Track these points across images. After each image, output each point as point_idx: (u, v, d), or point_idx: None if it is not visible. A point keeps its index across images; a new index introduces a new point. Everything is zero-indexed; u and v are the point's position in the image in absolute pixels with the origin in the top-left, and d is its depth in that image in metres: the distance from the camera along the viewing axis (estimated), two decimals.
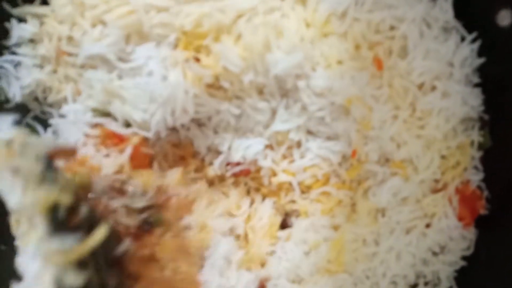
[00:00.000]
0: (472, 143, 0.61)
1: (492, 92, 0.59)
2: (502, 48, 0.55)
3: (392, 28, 0.56)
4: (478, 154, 0.61)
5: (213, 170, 0.65)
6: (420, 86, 0.58)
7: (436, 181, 0.61)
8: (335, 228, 0.64)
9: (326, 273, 0.61)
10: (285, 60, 0.54)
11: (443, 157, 0.60)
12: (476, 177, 0.62)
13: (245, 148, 0.63)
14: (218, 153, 0.65)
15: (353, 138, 0.58)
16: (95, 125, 0.60)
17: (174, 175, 0.62)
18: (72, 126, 0.59)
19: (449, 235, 0.63)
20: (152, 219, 0.58)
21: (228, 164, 0.65)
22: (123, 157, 0.58)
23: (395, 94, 0.58)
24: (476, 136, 0.61)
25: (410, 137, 0.58)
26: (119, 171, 0.58)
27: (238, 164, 0.64)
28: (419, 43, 0.56)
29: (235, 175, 0.65)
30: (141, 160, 0.60)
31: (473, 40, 0.57)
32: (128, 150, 0.58)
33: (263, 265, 0.65)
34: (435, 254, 0.64)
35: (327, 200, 0.65)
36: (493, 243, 0.63)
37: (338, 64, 0.56)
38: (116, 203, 0.54)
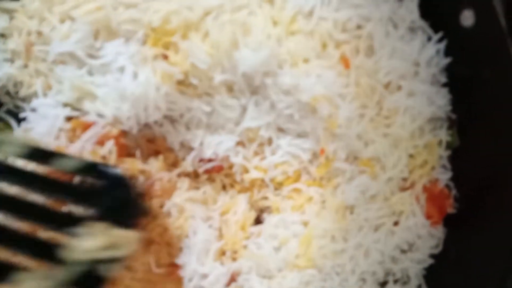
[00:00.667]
0: (440, 142, 0.62)
1: (459, 91, 0.60)
2: (467, 48, 0.56)
3: (358, 27, 0.57)
4: (446, 153, 0.62)
5: (186, 166, 0.66)
6: (387, 85, 0.59)
7: (404, 179, 0.62)
8: (305, 224, 0.65)
9: (295, 269, 0.62)
10: (252, 58, 0.55)
11: (410, 156, 0.61)
12: (444, 176, 0.63)
13: (216, 145, 0.64)
14: (191, 149, 0.66)
15: (321, 136, 0.59)
16: (68, 119, 0.61)
17: (156, 163, 0.63)
18: (44, 119, 0.60)
19: (417, 233, 0.63)
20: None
21: (200, 160, 0.66)
22: (107, 147, 0.59)
23: (362, 93, 0.58)
24: (444, 135, 0.61)
25: (377, 135, 0.59)
26: (104, 159, 0.60)
27: (210, 160, 0.65)
28: (385, 42, 0.57)
29: (208, 171, 0.66)
30: (121, 151, 0.62)
31: (439, 40, 0.58)
32: (111, 142, 0.59)
33: (234, 259, 0.66)
34: (403, 252, 0.65)
35: (298, 196, 0.66)
36: (461, 241, 0.64)
37: (305, 62, 0.57)
38: None
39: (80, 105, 0.60)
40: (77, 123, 0.61)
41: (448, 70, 0.59)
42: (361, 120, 0.58)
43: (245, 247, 0.66)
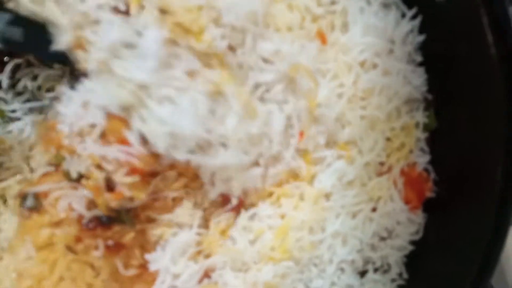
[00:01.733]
0: (417, 124, 0.60)
1: (435, 70, 0.59)
2: (441, 24, 0.55)
3: (333, 2, 0.56)
4: (423, 136, 0.61)
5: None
6: (362, 63, 0.58)
7: (381, 164, 0.61)
8: (282, 217, 0.62)
9: (270, 261, 0.60)
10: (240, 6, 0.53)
11: (387, 139, 0.60)
12: (422, 159, 0.62)
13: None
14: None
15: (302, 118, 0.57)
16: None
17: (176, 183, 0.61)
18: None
19: (396, 219, 0.62)
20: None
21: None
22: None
23: (339, 71, 0.57)
24: (420, 117, 0.60)
25: (354, 117, 0.58)
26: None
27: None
28: (359, 18, 0.55)
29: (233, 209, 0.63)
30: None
31: (414, 17, 0.57)
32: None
33: (208, 256, 0.63)
34: (383, 239, 0.63)
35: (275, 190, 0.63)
36: (441, 226, 0.62)
37: (288, 31, 0.55)
38: None
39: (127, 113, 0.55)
40: (114, 129, 0.56)
41: (423, 48, 0.58)
42: (339, 101, 0.57)
43: (220, 245, 0.63)
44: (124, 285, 0.60)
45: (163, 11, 0.54)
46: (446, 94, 0.60)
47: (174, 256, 0.60)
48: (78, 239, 0.58)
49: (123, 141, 0.55)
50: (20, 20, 0.55)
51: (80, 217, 0.58)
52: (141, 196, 0.56)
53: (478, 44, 0.50)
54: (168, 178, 0.59)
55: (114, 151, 0.54)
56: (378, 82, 0.57)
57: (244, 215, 0.62)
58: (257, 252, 0.60)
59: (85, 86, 0.55)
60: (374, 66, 0.57)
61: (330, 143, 0.60)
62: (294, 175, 0.61)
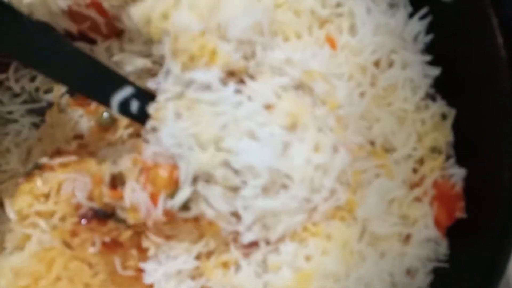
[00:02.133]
0: (443, 115, 0.57)
1: (442, 72, 0.58)
2: (449, 26, 0.55)
3: (338, 4, 0.55)
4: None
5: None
6: (377, 64, 0.55)
7: (414, 171, 0.55)
8: (307, 258, 0.52)
9: None
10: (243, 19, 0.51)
11: (419, 136, 0.55)
12: (459, 172, 0.56)
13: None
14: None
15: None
16: None
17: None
18: None
19: (430, 249, 0.54)
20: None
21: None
22: None
23: (354, 72, 0.54)
24: (444, 108, 0.57)
25: (381, 112, 0.54)
26: None
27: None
28: (367, 19, 0.54)
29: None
30: None
31: (422, 17, 0.56)
32: None
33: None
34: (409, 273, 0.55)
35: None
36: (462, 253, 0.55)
37: (297, 37, 0.53)
38: None
39: None
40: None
41: (431, 48, 0.57)
42: (362, 99, 0.53)
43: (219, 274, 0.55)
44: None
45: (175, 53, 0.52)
46: (452, 96, 0.59)
47: (168, 273, 0.55)
48: (74, 233, 0.57)
49: None
50: (140, 94, 0.54)
51: (78, 206, 0.57)
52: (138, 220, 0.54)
53: (487, 46, 0.50)
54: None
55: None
56: (399, 76, 0.54)
57: (264, 249, 0.53)
58: (263, 284, 0.52)
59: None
60: (391, 63, 0.55)
61: (365, 148, 0.54)
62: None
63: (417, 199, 0.55)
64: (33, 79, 0.64)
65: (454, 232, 0.58)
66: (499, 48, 0.48)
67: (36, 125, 0.64)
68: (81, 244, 0.56)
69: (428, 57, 0.57)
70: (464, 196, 0.57)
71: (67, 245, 0.56)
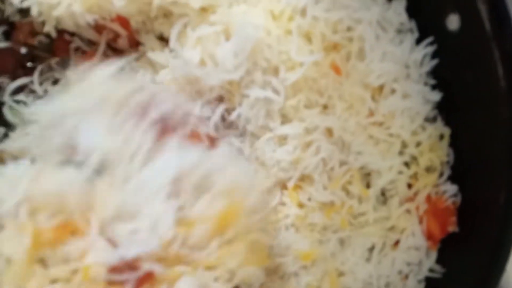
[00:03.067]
0: (441, 136, 0.61)
1: (445, 97, 0.61)
2: (451, 52, 0.58)
3: (349, 29, 0.58)
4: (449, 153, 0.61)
5: None
6: (380, 90, 0.59)
7: (409, 186, 0.61)
8: None
9: None
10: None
11: (414, 158, 0.60)
12: (451, 189, 0.61)
13: None
14: None
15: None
16: None
17: None
18: None
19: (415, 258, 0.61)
20: None
21: None
22: None
23: (354, 101, 0.58)
24: (442, 128, 0.61)
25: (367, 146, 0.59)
26: None
27: None
28: (376, 45, 0.57)
29: None
30: None
31: (428, 44, 0.59)
32: None
33: None
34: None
35: None
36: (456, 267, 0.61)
37: (300, 66, 0.56)
38: None
39: None
40: None
41: (435, 73, 0.61)
42: (357, 130, 0.58)
43: None
44: None
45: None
46: (453, 119, 0.62)
47: None
48: None
49: None
50: None
51: None
52: None
53: (488, 76, 0.53)
54: None
55: None
56: (399, 105, 0.58)
57: None
58: None
59: None
60: (393, 91, 0.59)
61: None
62: None
63: (408, 211, 0.60)
64: (55, 82, 0.67)
65: (450, 247, 0.62)
66: (499, 78, 0.51)
67: None
68: None
69: (432, 81, 0.61)
70: (462, 213, 0.62)
71: None
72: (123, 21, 0.58)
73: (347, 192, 0.61)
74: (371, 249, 0.61)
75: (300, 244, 0.58)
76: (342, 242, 0.61)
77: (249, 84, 0.56)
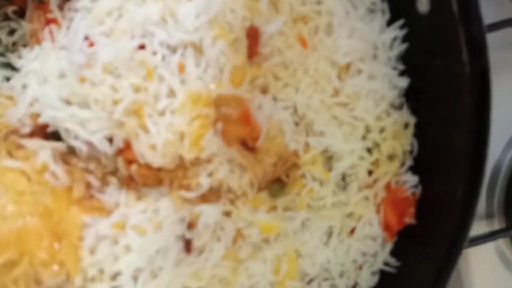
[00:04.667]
0: (406, 125, 0.61)
1: (412, 81, 0.61)
2: (422, 37, 0.57)
3: (318, 2, 0.57)
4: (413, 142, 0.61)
5: None
6: (346, 69, 0.58)
7: (370, 172, 0.60)
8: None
9: None
10: None
11: (376, 144, 0.60)
12: (412, 179, 0.61)
13: None
14: None
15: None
16: None
17: None
18: None
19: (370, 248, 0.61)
20: None
21: None
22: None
23: (319, 77, 0.57)
24: (407, 117, 0.60)
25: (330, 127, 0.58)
26: None
27: None
28: (345, 21, 0.57)
29: None
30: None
31: (399, 27, 0.59)
32: None
33: None
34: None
35: None
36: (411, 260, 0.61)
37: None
38: None
39: None
40: None
41: (404, 58, 0.60)
42: (320, 107, 0.57)
43: None
44: None
45: None
46: (418, 107, 0.61)
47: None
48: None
49: None
50: None
51: None
52: None
53: (454, 61, 0.52)
54: None
55: None
56: (364, 86, 0.57)
57: None
58: None
59: None
60: (359, 71, 0.58)
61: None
62: None
63: (366, 198, 0.59)
64: (11, 32, 0.65)
65: (405, 239, 0.62)
66: (464, 64, 0.51)
67: (8, 79, 0.65)
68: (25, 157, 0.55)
69: (401, 66, 0.60)
70: (420, 205, 0.61)
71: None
72: None
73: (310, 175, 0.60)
74: (329, 234, 0.61)
75: (263, 217, 0.57)
76: (303, 224, 0.60)
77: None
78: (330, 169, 0.60)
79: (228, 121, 0.53)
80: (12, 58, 0.61)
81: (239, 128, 0.53)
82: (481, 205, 0.82)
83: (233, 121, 0.53)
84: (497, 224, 0.84)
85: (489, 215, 0.85)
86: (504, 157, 0.84)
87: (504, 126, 0.82)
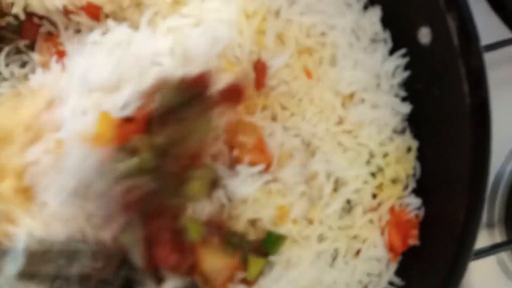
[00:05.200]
0: (408, 149, 0.63)
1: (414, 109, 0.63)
2: (423, 67, 0.59)
3: (323, 34, 0.59)
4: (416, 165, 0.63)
5: None
6: (350, 98, 0.60)
7: (374, 196, 0.62)
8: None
9: None
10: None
11: (380, 169, 0.62)
12: (415, 202, 0.63)
13: None
14: None
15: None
16: None
17: None
18: None
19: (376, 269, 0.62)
20: None
21: None
22: None
23: (324, 107, 0.59)
24: (410, 141, 0.62)
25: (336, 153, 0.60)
26: None
27: None
28: (348, 53, 0.59)
29: None
30: None
31: (402, 56, 0.61)
32: None
33: None
34: None
35: None
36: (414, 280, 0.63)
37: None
38: None
39: None
40: None
41: (406, 85, 0.62)
42: (326, 135, 0.59)
43: None
44: None
45: None
46: (421, 133, 0.63)
47: None
48: None
49: None
50: None
51: None
52: None
53: (454, 91, 0.54)
54: None
55: None
56: (368, 115, 0.59)
57: None
58: None
59: None
60: (362, 100, 0.60)
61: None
62: None
63: (371, 221, 0.62)
64: (23, 65, 0.67)
65: (410, 260, 0.64)
66: (464, 95, 0.53)
67: None
68: None
69: (403, 93, 0.62)
70: (423, 226, 0.63)
71: None
72: (94, 8, 0.58)
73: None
74: (335, 256, 0.62)
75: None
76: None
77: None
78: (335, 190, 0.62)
79: (244, 149, 0.55)
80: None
81: (254, 156, 0.55)
82: (482, 217, 0.85)
83: (248, 149, 0.55)
84: (497, 235, 0.85)
85: (490, 226, 0.87)
86: (505, 169, 0.86)
87: (504, 138, 0.84)
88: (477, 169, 0.53)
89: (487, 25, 0.75)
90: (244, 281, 0.57)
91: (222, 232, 0.56)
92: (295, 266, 0.60)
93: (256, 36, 0.56)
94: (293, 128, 0.59)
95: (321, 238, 0.61)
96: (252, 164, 0.55)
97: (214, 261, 0.55)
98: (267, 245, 0.57)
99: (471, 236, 0.56)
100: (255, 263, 0.56)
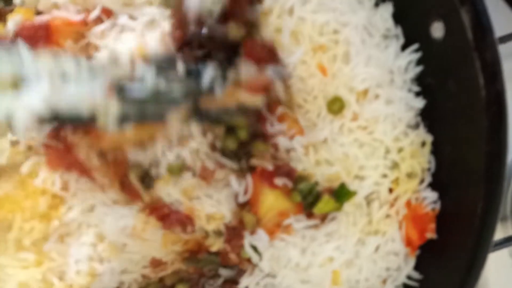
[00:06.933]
0: (423, 143, 0.63)
1: (428, 103, 0.64)
2: (436, 61, 0.60)
3: (335, 32, 0.60)
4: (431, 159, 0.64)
5: None
6: (364, 94, 0.61)
7: (390, 190, 0.63)
8: None
9: None
10: None
11: (395, 164, 0.62)
12: (431, 196, 0.63)
13: None
14: None
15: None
16: None
17: None
18: None
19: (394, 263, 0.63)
20: None
21: None
22: None
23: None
24: (425, 135, 0.63)
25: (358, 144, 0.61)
26: None
27: None
28: (361, 49, 0.59)
29: None
30: None
31: (414, 51, 0.61)
32: None
33: None
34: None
35: None
36: (432, 274, 0.64)
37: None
38: None
39: None
40: None
41: (419, 80, 0.63)
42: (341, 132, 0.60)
43: None
44: None
45: None
46: (435, 127, 0.64)
47: None
48: None
49: None
50: None
51: None
52: None
53: (469, 84, 0.55)
54: None
55: None
56: (382, 111, 0.60)
57: None
58: None
59: None
60: (377, 96, 0.61)
61: None
62: None
63: (388, 216, 0.62)
64: None
65: (428, 253, 0.65)
66: (480, 88, 0.54)
67: None
68: None
69: (416, 88, 0.63)
70: (440, 220, 0.64)
71: None
72: (107, 13, 0.59)
73: None
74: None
75: None
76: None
77: None
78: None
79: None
80: None
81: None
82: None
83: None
84: (510, 227, 0.86)
85: (502, 219, 0.88)
86: None
87: None
88: (493, 161, 0.54)
89: (499, 17, 0.76)
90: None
91: (292, 178, 0.58)
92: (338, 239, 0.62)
93: (273, 35, 0.57)
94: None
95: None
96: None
97: (274, 204, 0.58)
98: (338, 195, 0.60)
99: (490, 229, 0.57)
100: (327, 202, 0.60)
